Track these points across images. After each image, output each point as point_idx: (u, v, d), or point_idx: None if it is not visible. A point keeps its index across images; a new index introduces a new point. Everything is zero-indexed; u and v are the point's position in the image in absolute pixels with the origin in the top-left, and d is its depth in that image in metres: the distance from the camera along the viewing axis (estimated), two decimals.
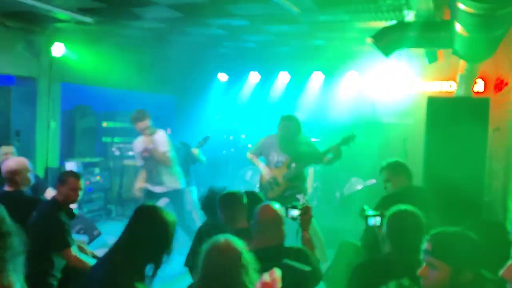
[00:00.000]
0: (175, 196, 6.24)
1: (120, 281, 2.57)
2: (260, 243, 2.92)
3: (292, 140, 5.46)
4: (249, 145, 9.12)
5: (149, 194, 6.11)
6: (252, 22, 6.22)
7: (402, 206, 2.92)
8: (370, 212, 3.42)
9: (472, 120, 4.61)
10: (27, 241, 3.76)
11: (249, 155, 5.86)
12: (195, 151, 6.77)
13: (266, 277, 1.32)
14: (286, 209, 3.41)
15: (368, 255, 3.62)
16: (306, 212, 3.43)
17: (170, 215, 2.79)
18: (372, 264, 2.98)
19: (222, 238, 2.28)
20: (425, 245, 2.26)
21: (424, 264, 2.25)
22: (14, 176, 4.27)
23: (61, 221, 3.80)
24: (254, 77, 10.03)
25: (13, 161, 4.46)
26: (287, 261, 2.76)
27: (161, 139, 6.06)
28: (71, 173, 4.15)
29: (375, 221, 3.29)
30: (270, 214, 3.02)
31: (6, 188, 4.30)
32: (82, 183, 4.03)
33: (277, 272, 1.32)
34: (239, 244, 2.27)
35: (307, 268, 2.79)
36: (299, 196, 5.29)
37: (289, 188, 5.50)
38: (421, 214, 2.86)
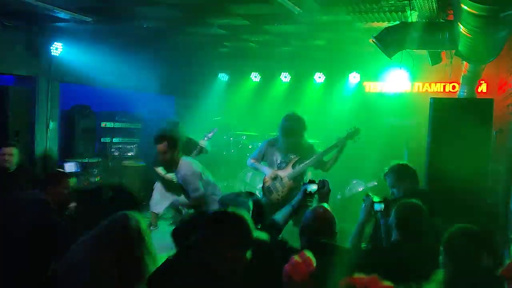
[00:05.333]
0: None
1: None
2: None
3: (296, 139, 5.37)
4: (250, 146, 9.07)
5: None
6: (253, 22, 6.17)
7: (408, 200, 3.31)
8: (376, 198, 3.79)
9: (476, 121, 4.54)
10: (20, 245, 3.65)
11: (250, 160, 5.68)
12: (203, 143, 6.67)
13: (296, 258, 1.28)
14: (303, 184, 3.68)
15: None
16: (323, 186, 3.60)
17: None
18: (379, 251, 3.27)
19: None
20: None
21: None
22: None
23: (56, 222, 3.72)
24: (255, 77, 9.98)
25: None
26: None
27: None
28: (62, 173, 4.15)
29: (380, 207, 3.68)
30: (328, 218, 2.99)
31: None
32: (73, 182, 4.01)
33: (307, 253, 1.29)
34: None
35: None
36: None
37: (294, 188, 5.39)
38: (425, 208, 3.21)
